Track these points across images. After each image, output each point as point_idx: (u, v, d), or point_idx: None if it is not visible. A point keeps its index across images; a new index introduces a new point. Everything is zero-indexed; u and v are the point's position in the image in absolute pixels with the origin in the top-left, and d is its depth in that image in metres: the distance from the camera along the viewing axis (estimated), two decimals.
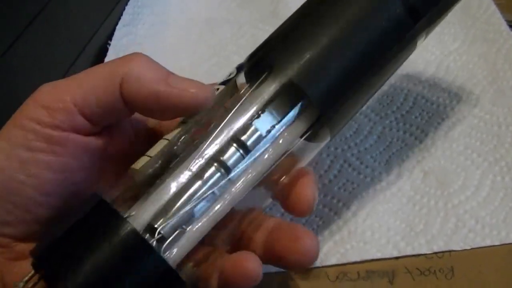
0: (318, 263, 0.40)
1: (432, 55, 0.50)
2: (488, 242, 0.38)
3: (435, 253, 0.39)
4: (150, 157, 0.32)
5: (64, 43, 0.53)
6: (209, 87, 0.33)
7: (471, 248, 0.38)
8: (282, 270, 0.40)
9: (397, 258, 0.39)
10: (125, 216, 0.30)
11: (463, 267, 0.38)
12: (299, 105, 0.32)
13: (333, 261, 0.40)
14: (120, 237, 0.29)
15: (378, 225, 0.41)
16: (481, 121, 0.44)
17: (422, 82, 0.48)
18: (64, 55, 0.53)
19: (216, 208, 0.32)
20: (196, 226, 0.31)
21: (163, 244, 0.30)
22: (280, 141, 0.32)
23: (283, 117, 0.32)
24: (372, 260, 0.40)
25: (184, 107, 0.33)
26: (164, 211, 0.31)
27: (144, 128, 0.38)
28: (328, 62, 0.32)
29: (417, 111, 0.46)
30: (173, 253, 0.31)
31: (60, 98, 0.34)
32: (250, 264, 0.32)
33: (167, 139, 0.33)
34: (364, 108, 0.47)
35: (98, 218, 0.30)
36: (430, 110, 0.46)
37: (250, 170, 0.32)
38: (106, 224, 0.30)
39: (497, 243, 0.38)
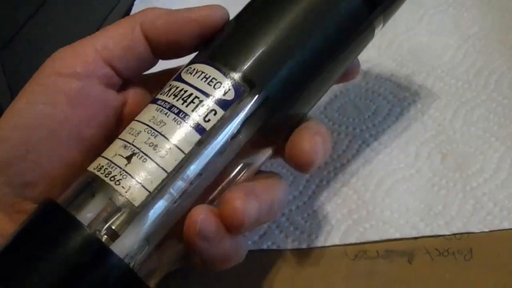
0: (337, 241, 0.40)
1: (450, 40, 0.50)
2: (506, 225, 0.39)
3: (454, 234, 0.39)
4: (107, 159, 0.31)
5: (83, 16, 0.52)
6: (219, 6, 0.35)
7: (489, 231, 0.39)
8: (298, 247, 0.41)
9: (415, 238, 0.39)
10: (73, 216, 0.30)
11: (481, 249, 0.38)
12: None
13: (351, 240, 0.40)
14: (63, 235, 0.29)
15: (397, 205, 0.41)
16: (499, 106, 0.44)
17: (440, 66, 0.48)
18: (84, 28, 0.53)
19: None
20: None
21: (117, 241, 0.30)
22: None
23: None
24: (391, 240, 0.40)
25: (204, 26, 0.34)
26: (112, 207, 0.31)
27: None
28: (280, 55, 0.33)
29: (435, 94, 0.46)
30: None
31: (78, 49, 0.34)
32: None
33: (121, 139, 0.32)
34: (382, 89, 0.47)
35: (44, 220, 0.30)
36: (449, 94, 0.46)
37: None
38: (51, 224, 0.30)
39: None
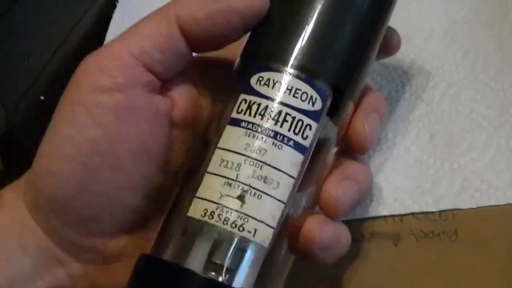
0: None
1: (438, 22, 0.50)
2: (493, 202, 0.39)
3: (440, 212, 0.39)
4: (212, 202, 0.29)
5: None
6: None
7: (477, 207, 0.39)
8: None
9: (401, 220, 0.39)
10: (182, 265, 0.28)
11: (467, 231, 0.39)
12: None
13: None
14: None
15: (386, 184, 0.41)
16: (487, 87, 0.45)
17: (428, 48, 0.48)
18: (70, 12, 0.52)
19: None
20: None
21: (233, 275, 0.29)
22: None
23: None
24: (379, 217, 0.40)
25: (248, 16, 0.31)
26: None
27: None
28: (328, 40, 0.32)
29: (424, 75, 0.46)
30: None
31: (113, 56, 0.30)
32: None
33: (218, 175, 0.29)
34: (370, 70, 0.47)
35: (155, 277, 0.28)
36: (436, 75, 0.46)
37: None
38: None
39: (502, 202, 0.39)
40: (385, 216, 0.40)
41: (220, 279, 0.28)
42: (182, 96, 0.33)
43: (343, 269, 0.39)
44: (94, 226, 0.31)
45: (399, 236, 0.39)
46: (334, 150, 0.35)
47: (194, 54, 0.33)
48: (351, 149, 0.34)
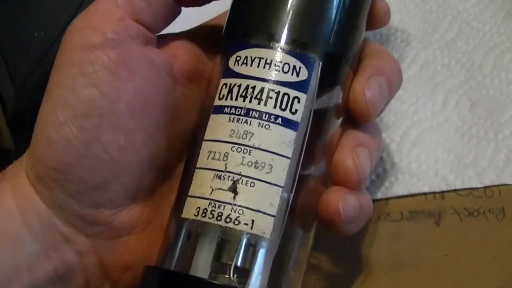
0: None
1: None
2: None
3: (485, 188, 0.36)
4: (204, 198, 0.27)
5: None
6: None
7: None
8: None
9: (443, 197, 0.37)
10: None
11: None
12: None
13: (377, 195, 0.38)
14: None
15: (425, 157, 0.38)
16: None
17: (467, 9, 0.45)
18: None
19: None
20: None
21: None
22: None
23: None
24: (418, 194, 0.37)
25: None
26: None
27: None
28: (323, 8, 0.29)
29: (462, 39, 0.43)
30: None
31: (100, 11, 0.30)
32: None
33: (206, 168, 0.28)
34: (405, 35, 0.44)
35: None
36: (476, 38, 0.43)
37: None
38: None
39: None
40: (425, 193, 0.37)
41: (229, 279, 0.27)
42: (183, 51, 0.32)
43: (380, 251, 0.36)
44: (99, 196, 0.30)
45: (441, 215, 0.36)
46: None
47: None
48: (353, 117, 0.31)
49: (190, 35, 0.33)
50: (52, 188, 0.30)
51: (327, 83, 0.30)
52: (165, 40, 0.32)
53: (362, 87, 0.30)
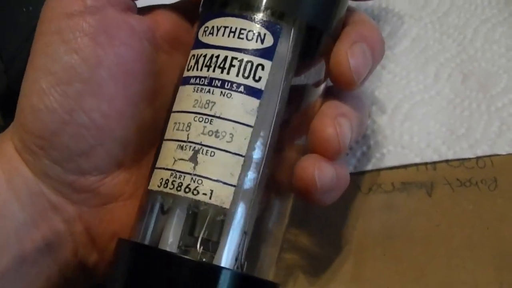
0: (351, 168, 0.37)
1: None
2: None
3: (477, 158, 0.36)
4: (167, 169, 0.27)
5: None
6: None
7: None
8: None
9: (435, 168, 0.36)
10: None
11: (507, 178, 0.35)
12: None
13: (368, 167, 0.37)
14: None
15: (417, 129, 0.38)
16: None
17: None
18: None
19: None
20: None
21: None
22: None
23: None
24: (410, 165, 0.37)
25: None
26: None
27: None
28: None
29: (454, 13, 0.43)
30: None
31: None
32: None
33: (171, 139, 0.28)
34: (397, 10, 0.44)
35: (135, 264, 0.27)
36: (468, 12, 0.42)
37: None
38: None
39: None
40: (417, 164, 0.37)
41: (197, 251, 0.27)
42: (167, 18, 0.32)
43: (372, 222, 0.36)
44: (85, 162, 0.30)
45: (433, 185, 0.36)
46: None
47: None
48: (336, 83, 0.30)
49: (174, 5, 0.33)
50: (38, 156, 0.30)
51: (305, 52, 0.29)
52: (148, 9, 0.32)
53: (346, 52, 0.30)
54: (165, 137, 0.28)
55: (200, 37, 0.28)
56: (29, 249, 0.30)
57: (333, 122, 0.29)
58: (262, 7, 0.28)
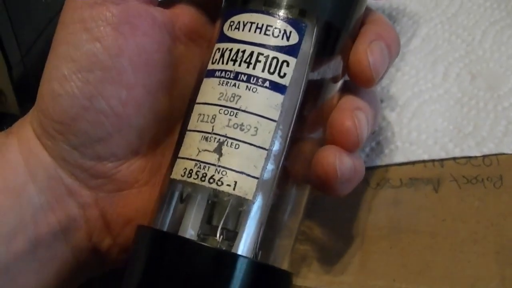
0: None
1: None
2: None
3: (483, 156, 0.37)
4: (191, 159, 0.28)
5: None
6: None
7: None
8: None
9: (442, 165, 0.37)
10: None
11: None
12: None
13: (376, 162, 0.38)
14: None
15: (425, 126, 0.39)
16: None
17: None
18: None
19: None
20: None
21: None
22: None
23: None
24: (418, 161, 0.38)
25: None
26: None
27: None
28: None
29: (463, 14, 0.43)
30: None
31: None
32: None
33: (195, 130, 0.28)
34: (407, 10, 0.45)
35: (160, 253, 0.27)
36: (477, 14, 0.43)
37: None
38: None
39: None
40: (424, 161, 0.38)
41: (217, 241, 0.27)
42: (186, 11, 0.33)
43: (379, 216, 0.37)
44: (102, 148, 0.31)
45: (440, 182, 0.37)
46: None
47: None
48: (355, 80, 0.31)
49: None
50: (57, 140, 0.30)
51: (325, 50, 0.30)
52: (168, 1, 0.33)
53: (365, 50, 0.31)
54: (189, 128, 0.28)
55: (225, 31, 0.29)
56: (44, 232, 0.30)
57: (351, 115, 0.30)
58: (286, 5, 0.28)
